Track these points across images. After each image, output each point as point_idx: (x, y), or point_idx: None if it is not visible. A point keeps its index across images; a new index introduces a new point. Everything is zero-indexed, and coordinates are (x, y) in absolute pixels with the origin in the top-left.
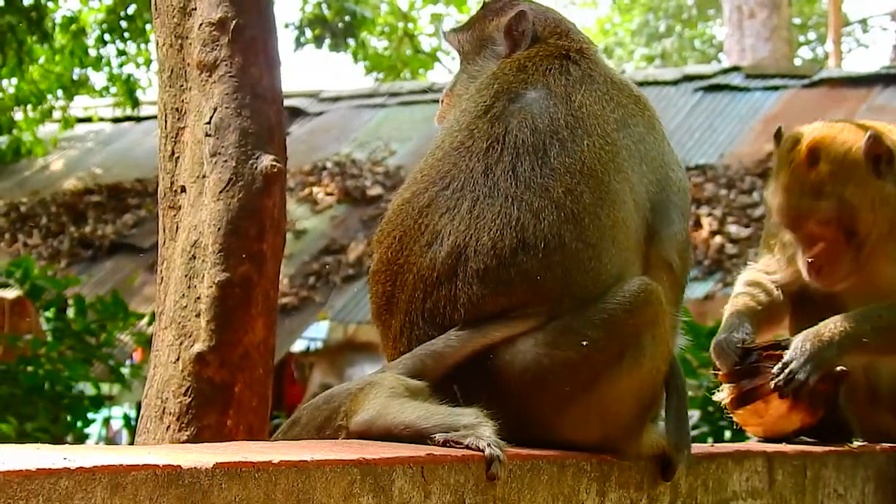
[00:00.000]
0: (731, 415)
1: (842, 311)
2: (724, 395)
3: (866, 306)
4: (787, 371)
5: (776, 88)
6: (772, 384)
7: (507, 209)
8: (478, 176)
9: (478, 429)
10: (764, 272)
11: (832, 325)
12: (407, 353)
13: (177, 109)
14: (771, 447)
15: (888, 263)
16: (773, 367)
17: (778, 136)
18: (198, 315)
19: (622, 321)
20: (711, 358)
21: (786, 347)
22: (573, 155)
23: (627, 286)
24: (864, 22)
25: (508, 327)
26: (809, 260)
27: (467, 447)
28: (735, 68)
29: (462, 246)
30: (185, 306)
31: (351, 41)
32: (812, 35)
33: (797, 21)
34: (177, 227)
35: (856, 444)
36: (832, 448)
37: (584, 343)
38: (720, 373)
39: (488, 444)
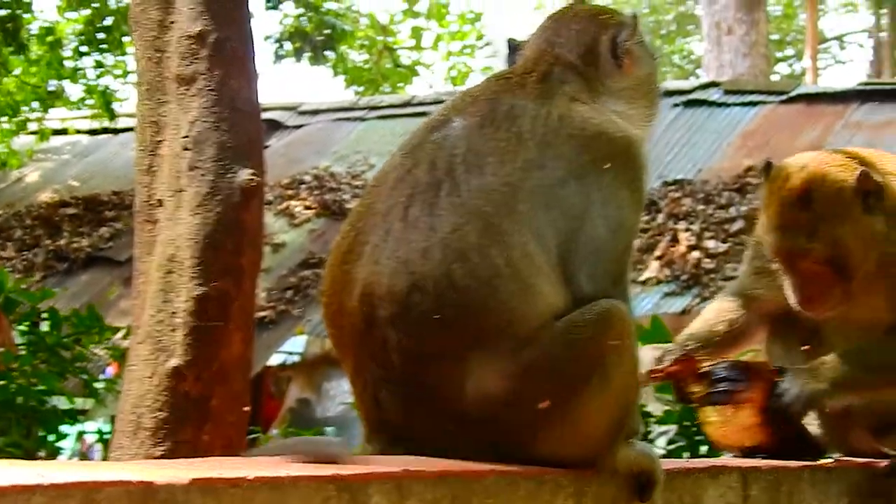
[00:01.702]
0: (698, 411)
1: (823, 336)
2: (696, 389)
3: (857, 345)
4: (782, 401)
5: (754, 104)
6: (752, 396)
7: (396, 251)
8: (379, 218)
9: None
10: (744, 296)
11: (826, 364)
12: (365, 390)
13: (155, 122)
14: (746, 463)
15: (878, 297)
16: (756, 379)
17: (767, 169)
18: (174, 329)
19: (586, 346)
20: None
21: (775, 371)
22: (463, 194)
23: (590, 309)
24: (840, 38)
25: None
26: (798, 292)
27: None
28: (713, 84)
29: (368, 293)
30: (162, 320)
31: (330, 54)
32: (790, 51)
33: (775, 37)
34: (154, 241)
35: (830, 459)
36: (806, 464)
37: (549, 371)
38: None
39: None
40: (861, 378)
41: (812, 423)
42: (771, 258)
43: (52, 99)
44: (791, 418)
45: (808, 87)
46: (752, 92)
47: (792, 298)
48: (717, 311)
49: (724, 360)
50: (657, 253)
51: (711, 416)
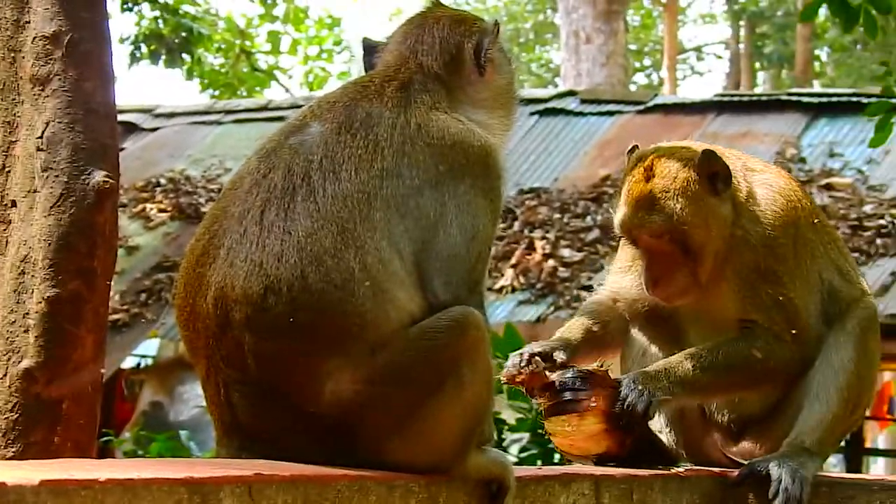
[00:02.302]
0: (545, 423)
1: (682, 335)
2: (541, 400)
3: (700, 346)
4: (624, 405)
5: (611, 114)
6: (595, 402)
7: (252, 254)
8: (234, 222)
9: None
10: (610, 295)
11: (669, 366)
12: (218, 393)
13: (8, 123)
14: (599, 470)
15: (726, 288)
16: (598, 386)
17: (630, 153)
18: (26, 331)
19: (440, 352)
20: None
21: (610, 376)
22: (318, 200)
23: (446, 315)
24: (698, 50)
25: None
26: (647, 273)
27: None
28: (570, 93)
29: (222, 296)
30: (14, 322)
31: (187, 57)
32: (647, 61)
33: (633, 47)
34: (6, 242)
35: (682, 468)
36: (659, 472)
37: (404, 377)
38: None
39: None
40: (702, 380)
41: (666, 433)
42: (618, 234)
43: None
44: (635, 422)
45: (665, 97)
46: (609, 102)
47: (643, 282)
48: (587, 313)
49: (566, 370)
50: (512, 261)
51: (558, 427)
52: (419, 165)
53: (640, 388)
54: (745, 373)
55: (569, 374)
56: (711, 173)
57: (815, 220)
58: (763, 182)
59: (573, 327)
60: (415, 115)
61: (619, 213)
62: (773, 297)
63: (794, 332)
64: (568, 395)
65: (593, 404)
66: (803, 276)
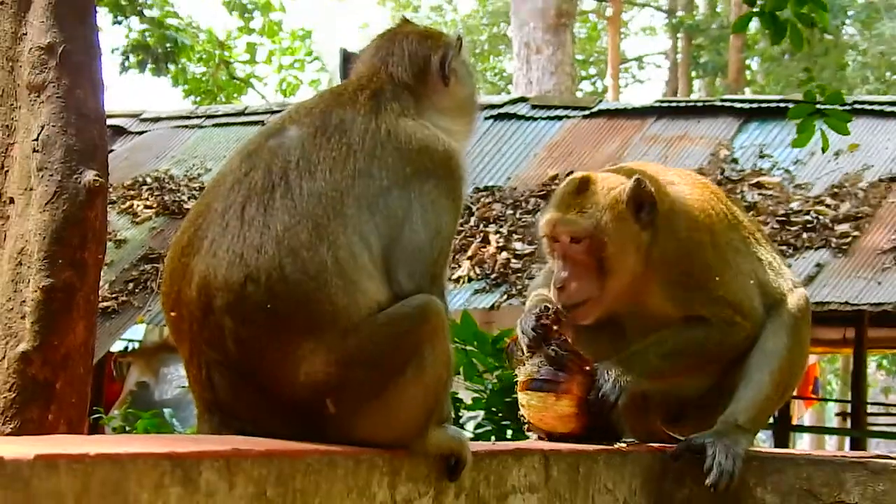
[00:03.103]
0: (519, 393)
1: (625, 330)
2: (525, 371)
3: (656, 334)
4: (599, 395)
5: (559, 118)
6: (573, 387)
7: (233, 246)
8: (217, 216)
9: None
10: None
11: (634, 355)
12: (200, 374)
13: (6, 126)
14: (548, 446)
15: (660, 298)
16: (578, 372)
17: (567, 176)
18: (23, 317)
19: (404, 337)
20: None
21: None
22: (295, 197)
23: (409, 303)
24: (640, 59)
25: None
26: (557, 275)
27: None
28: (522, 99)
29: (205, 284)
30: (12, 309)
31: (171, 66)
32: (593, 70)
33: (580, 57)
34: (5, 236)
35: (625, 443)
36: (603, 447)
37: (371, 360)
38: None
39: None
40: (662, 365)
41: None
42: (540, 236)
43: None
44: (605, 410)
45: (609, 103)
46: (557, 107)
47: (552, 286)
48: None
49: (562, 344)
50: (469, 253)
51: (533, 401)
52: (388, 167)
53: (613, 379)
54: (701, 357)
55: (563, 351)
56: (638, 202)
57: (733, 220)
58: (677, 197)
59: (541, 297)
60: (385, 121)
61: (546, 214)
62: (709, 297)
63: (740, 316)
64: (549, 375)
65: (570, 388)
66: (732, 270)
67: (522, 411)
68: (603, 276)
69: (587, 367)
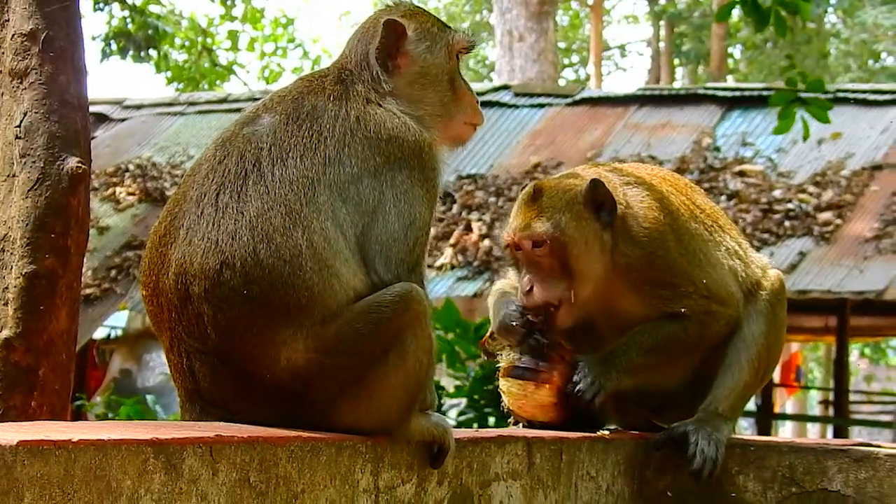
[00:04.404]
0: (500, 379)
1: (599, 328)
2: (507, 358)
3: (633, 331)
4: (576, 390)
5: (542, 106)
6: (554, 377)
7: (208, 233)
8: (192, 205)
9: None
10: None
11: (614, 352)
12: (181, 362)
13: None
14: (531, 433)
15: (633, 300)
16: (559, 363)
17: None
18: (6, 304)
19: (385, 324)
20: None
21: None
22: (268, 183)
23: (390, 291)
24: (622, 47)
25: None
26: (524, 279)
27: None
28: (505, 87)
29: (182, 272)
30: None
31: (153, 53)
32: (575, 58)
33: (562, 45)
34: None
35: (608, 431)
36: (586, 435)
37: (351, 346)
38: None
39: None
40: (645, 362)
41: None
42: (503, 246)
43: None
44: (583, 406)
45: (591, 91)
46: (540, 95)
47: (519, 289)
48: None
49: (538, 335)
50: (451, 241)
51: (514, 389)
52: (358, 155)
53: (591, 377)
54: (684, 350)
55: (545, 340)
56: (597, 203)
57: (694, 210)
58: (635, 199)
59: (505, 289)
60: (353, 107)
61: (507, 224)
62: (682, 292)
63: (717, 304)
64: (530, 364)
65: (551, 378)
66: (701, 260)
67: (503, 398)
68: (569, 278)
69: (569, 359)
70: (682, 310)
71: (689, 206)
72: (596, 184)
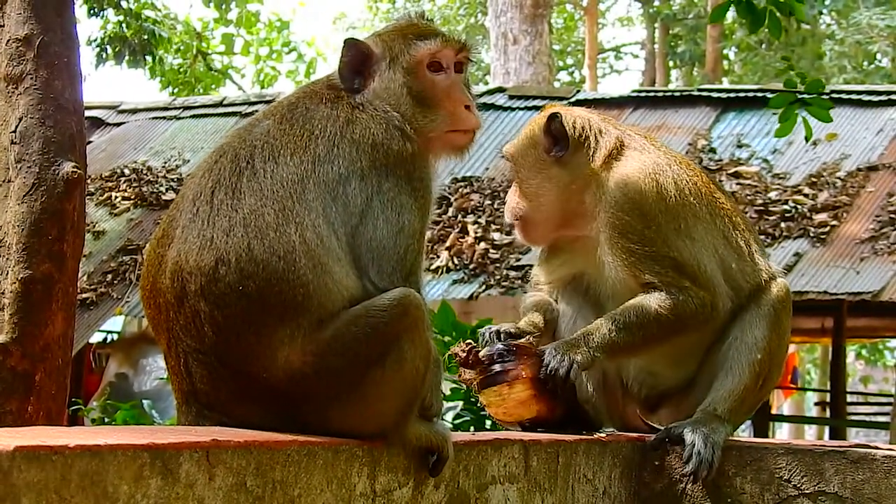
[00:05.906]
0: (477, 395)
1: (602, 304)
2: (470, 374)
3: (610, 312)
4: (549, 370)
5: (537, 108)
6: (522, 371)
7: (203, 231)
8: (188, 205)
9: None
10: (536, 284)
11: (588, 333)
12: (178, 363)
13: None
14: (527, 436)
15: (608, 255)
16: (524, 356)
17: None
18: (2, 309)
19: (382, 328)
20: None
21: (535, 347)
22: (261, 180)
23: (388, 295)
24: (617, 50)
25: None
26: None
27: None
28: (500, 89)
29: (178, 269)
30: None
31: (148, 58)
32: (570, 60)
33: (557, 47)
34: None
35: (604, 433)
36: (582, 437)
37: (348, 349)
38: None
39: None
40: (619, 340)
41: (591, 401)
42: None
43: None
44: (558, 386)
45: (586, 93)
46: (535, 97)
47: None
48: (531, 305)
49: (494, 344)
50: (447, 244)
51: (491, 398)
52: (346, 157)
53: (560, 355)
54: (657, 327)
55: (496, 347)
56: (554, 136)
57: (706, 193)
58: (634, 158)
59: (530, 318)
60: (343, 111)
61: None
62: (654, 258)
63: (688, 281)
64: (497, 368)
65: (520, 373)
66: (685, 235)
67: (488, 412)
68: (524, 198)
69: (534, 350)
70: (652, 278)
71: (702, 189)
72: (553, 117)
